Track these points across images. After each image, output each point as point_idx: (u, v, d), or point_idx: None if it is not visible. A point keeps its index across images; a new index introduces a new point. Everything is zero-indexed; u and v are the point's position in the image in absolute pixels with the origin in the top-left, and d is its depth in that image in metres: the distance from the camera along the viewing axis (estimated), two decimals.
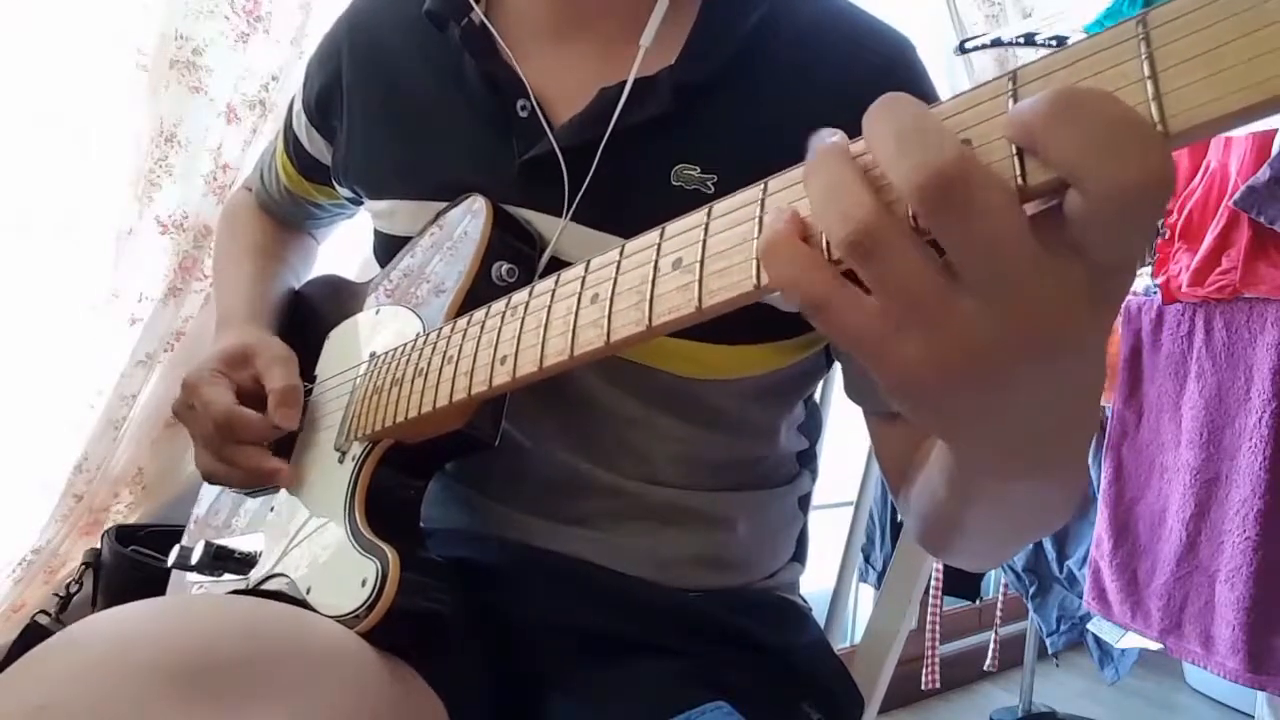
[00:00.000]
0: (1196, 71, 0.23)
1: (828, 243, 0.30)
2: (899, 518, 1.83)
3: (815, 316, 0.30)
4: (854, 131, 0.32)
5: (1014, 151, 0.27)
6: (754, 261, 0.33)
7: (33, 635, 1.01)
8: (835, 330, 0.30)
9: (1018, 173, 0.26)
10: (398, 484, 0.60)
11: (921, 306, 0.28)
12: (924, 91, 0.63)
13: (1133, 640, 1.70)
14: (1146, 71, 0.24)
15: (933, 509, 0.49)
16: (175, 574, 0.81)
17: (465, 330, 0.52)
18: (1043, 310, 0.27)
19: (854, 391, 0.66)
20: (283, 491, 0.68)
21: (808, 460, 0.78)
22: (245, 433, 0.63)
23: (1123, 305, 1.66)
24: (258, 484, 0.65)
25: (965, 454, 0.38)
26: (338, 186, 0.79)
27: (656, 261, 0.38)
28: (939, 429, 0.36)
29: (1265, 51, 0.22)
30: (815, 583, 0.82)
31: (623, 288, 0.40)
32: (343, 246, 1.05)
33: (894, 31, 0.64)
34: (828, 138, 0.31)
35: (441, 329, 0.56)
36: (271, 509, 0.68)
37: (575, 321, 0.42)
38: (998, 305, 0.27)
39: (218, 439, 0.63)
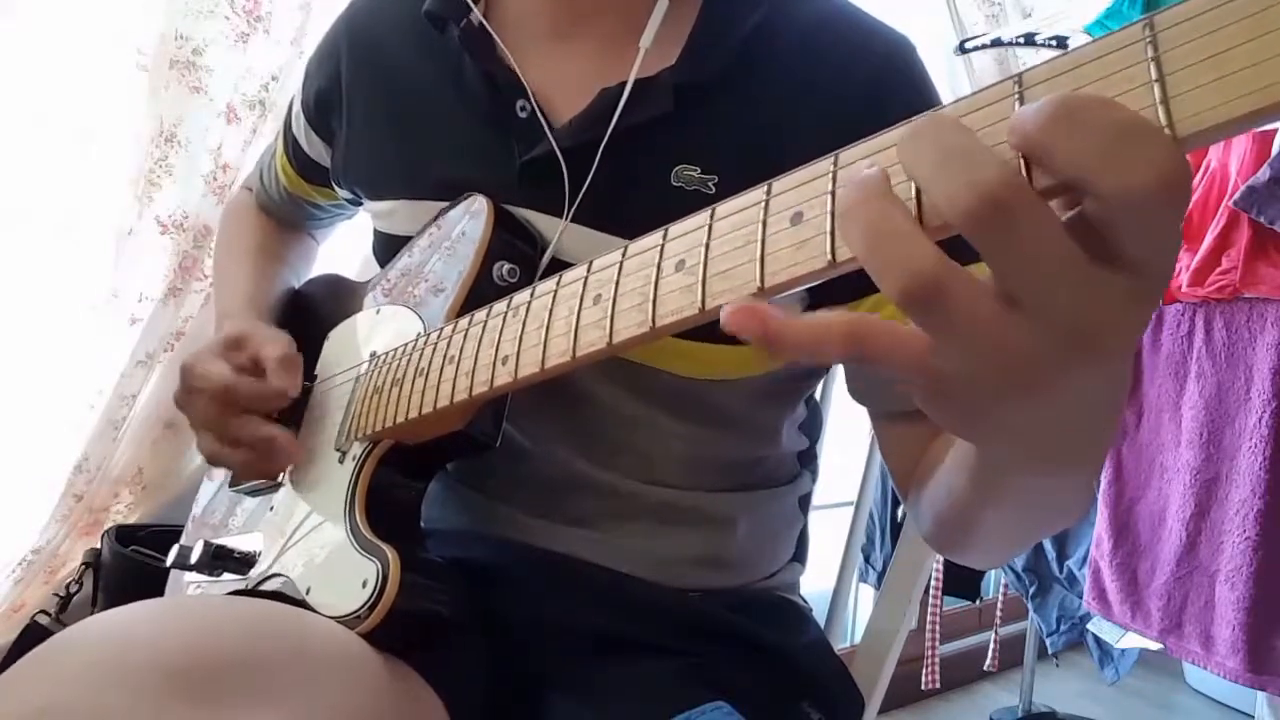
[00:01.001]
0: (1205, 75, 0.23)
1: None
2: (899, 518, 1.84)
3: (856, 351, 0.29)
4: (855, 131, 0.32)
5: (1019, 156, 0.26)
6: (757, 263, 0.33)
7: (33, 635, 1.01)
8: (886, 367, 0.29)
9: (1024, 175, 0.26)
10: (398, 484, 0.60)
11: (984, 339, 0.27)
12: (924, 91, 0.63)
13: (1133, 640, 1.70)
14: (1154, 74, 0.24)
15: (949, 508, 0.48)
16: (174, 573, 0.81)
17: (466, 330, 0.52)
18: (1090, 320, 0.27)
19: (858, 392, 0.65)
20: (282, 491, 0.68)
21: (808, 460, 0.78)
22: (245, 400, 0.63)
23: None
24: (259, 459, 0.64)
25: (993, 454, 0.38)
26: (337, 187, 0.79)
27: (659, 263, 0.38)
28: (973, 436, 0.35)
29: (1274, 55, 0.22)
30: (815, 583, 0.81)
31: (625, 289, 0.39)
32: (343, 246, 1.05)
33: (894, 32, 0.64)
34: (864, 169, 0.29)
35: (442, 329, 0.56)
36: (270, 508, 0.68)
37: (578, 322, 0.42)
38: (1048, 320, 0.27)
39: (218, 413, 0.63)
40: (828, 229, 0.31)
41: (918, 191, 0.28)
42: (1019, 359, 0.28)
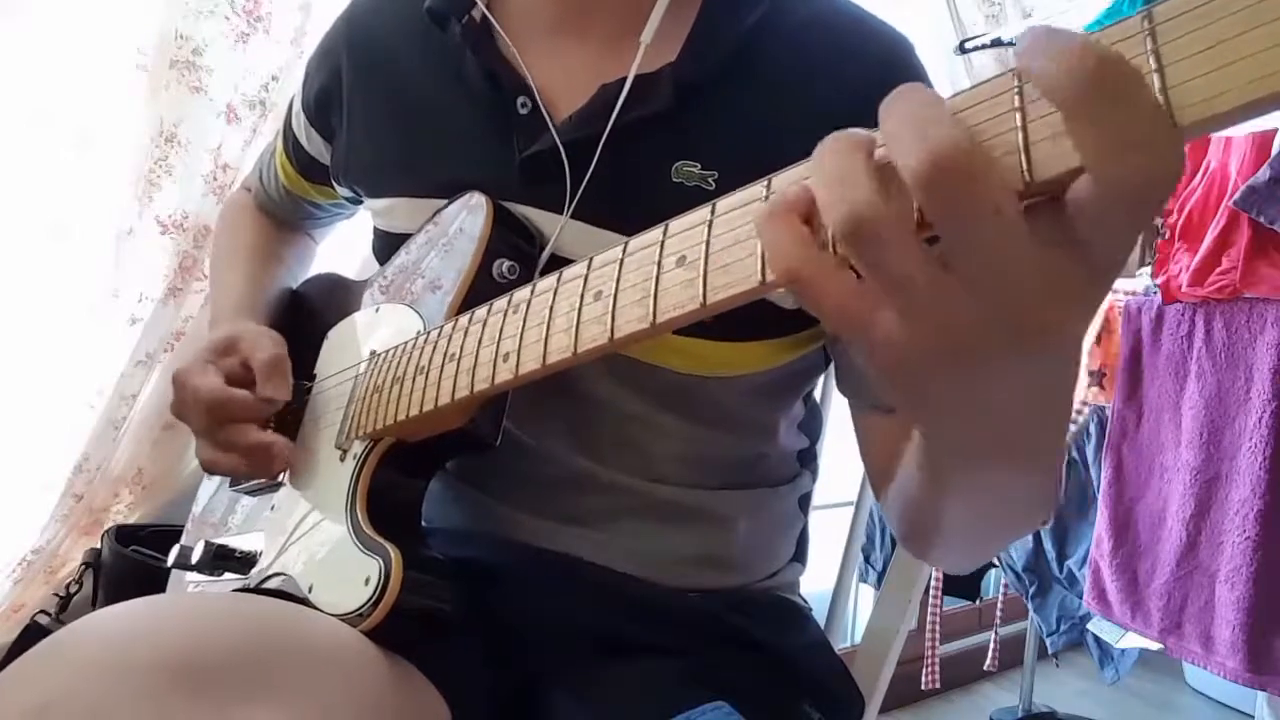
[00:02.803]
0: (1203, 65, 0.23)
1: (830, 233, 0.30)
2: None
3: (796, 288, 0.30)
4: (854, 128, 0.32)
5: (1021, 147, 0.27)
6: (758, 258, 0.33)
7: (33, 635, 1.01)
8: (818, 304, 0.30)
9: (1024, 168, 0.26)
10: (399, 482, 0.60)
11: (911, 291, 0.28)
12: None
13: (1133, 640, 1.70)
14: (1153, 65, 0.24)
15: (909, 505, 0.49)
16: (175, 573, 0.81)
17: (467, 328, 0.52)
18: (1030, 302, 0.28)
19: (845, 386, 0.66)
20: (282, 490, 0.68)
21: (808, 459, 0.78)
22: (236, 411, 0.63)
23: (1123, 305, 1.66)
24: (255, 465, 0.64)
25: (936, 437, 0.38)
26: (337, 186, 0.79)
27: (660, 258, 0.38)
28: (913, 408, 0.36)
29: (1272, 45, 0.22)
30: (815, 583, 0.81)
31: (626, 284, 0.40)
32: (342, 246, 1.05)
33: (893, 30, 0.64)
34: (851, 130, 0.30)
35: (443, 327, 0.56)
36: (271, 507, 0.68)
37: (579, 318, 0.42)
38: (986, 294, 0.28)
39: (212, 424, 0.63)
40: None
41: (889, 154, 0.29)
42: (953, 325, 0.29)
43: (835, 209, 0.29)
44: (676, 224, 0.38)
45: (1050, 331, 0.29)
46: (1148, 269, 1.67)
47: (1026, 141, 0.27)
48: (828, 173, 0.29)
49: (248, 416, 0.63)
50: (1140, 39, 0.25)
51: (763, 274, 0.33)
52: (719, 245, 0.35)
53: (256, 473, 0.66)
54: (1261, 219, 1.35)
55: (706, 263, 0.35)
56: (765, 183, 0.34)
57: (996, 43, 1.64)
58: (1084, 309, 0.29)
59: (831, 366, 0.70)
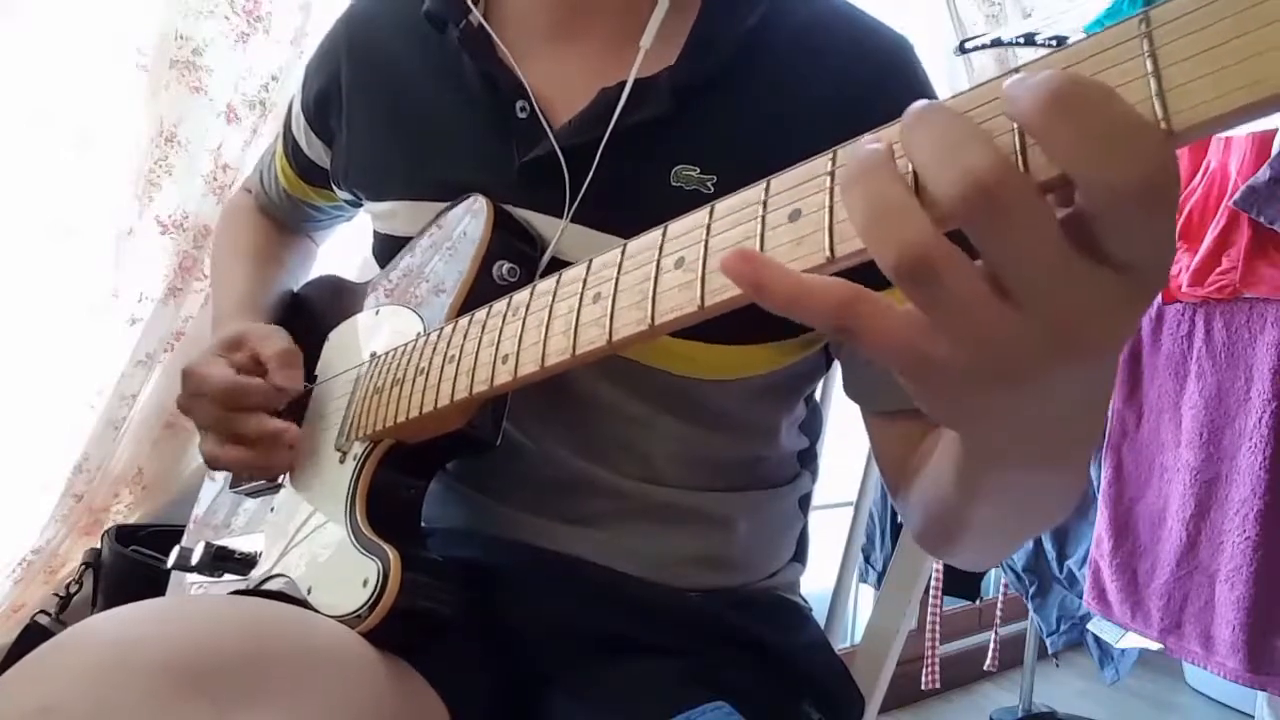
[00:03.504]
0: (1199, 69, 0.23)
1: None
2: (899, 518, 1.83)
3: (852, 336, 0.29)
4: (854, 131, 0.32)
5: (1017, 146, 0.27)
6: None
7: (33, 635, 1.01)
8: (877, 345, 0.29)
9: (1021, 169, 0.26)
10: (398, 484, 0.60)
11: (971, 324, 0.28)
12: (923, 91, 0.63)
13: (1133, 640, 1.70)
14: (1149, 68, 0.24)
15: (937, 505, 0.48)
16: (175, 574, 0.81)
17: (466, 330, 0.52)
18: (1079, 317, 0.27)
19: (853, 390, 0.65)
20: (283, 491, 0.68)
21: (808, 460, 0.78)
22: (249, 399, 0.63)
23: None
24: (264, 455, 0.64)
25: (979, 446, 0.38)
26: (337, 189, 0.79)
27: (659, 261, 0.38)
28: (959, 425, 0.36)
29: (1267, 49, 0.22)
30: (815, 583, 0.81)
31: (625, 287, 0.40)
32: (343, 247, 1.05)
33: (892, 32, 0.64)
34: (868, 144, 0.29)
35: (443, 329, 0.56)
36: (271, 509, 0.68)
37: (577, 320, 0.42)
38: (1036, 313, 0.27)
39: (222, 414, 0.63)
40: (826, 225, 0.31)
41: (916, 178, 0.28)
42: (1005, 348, 0.28)
43: (885, 246, 0.28)
44: (675, 226, 0.38)
45: (1100, 343, 0.28)
46: None
47: (1023, 142, 0.27)
48: (865, 204, 0.28)
49: (260, 404, 0.63)
50: (1137, 42, 0.25)
51: None
52: (717, 247, 0.35)
53: (262, 465, 0.65)
54: (1261, 219, 1.35)
55: (705, 265, 0.35)
56: (764, 185, 0.34)
57: (996, 43, 1.64)
58: (1127, 323, 0.29)
59: (834, 368, 0.70)
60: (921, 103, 0.28)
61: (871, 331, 0.29)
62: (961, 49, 1.73)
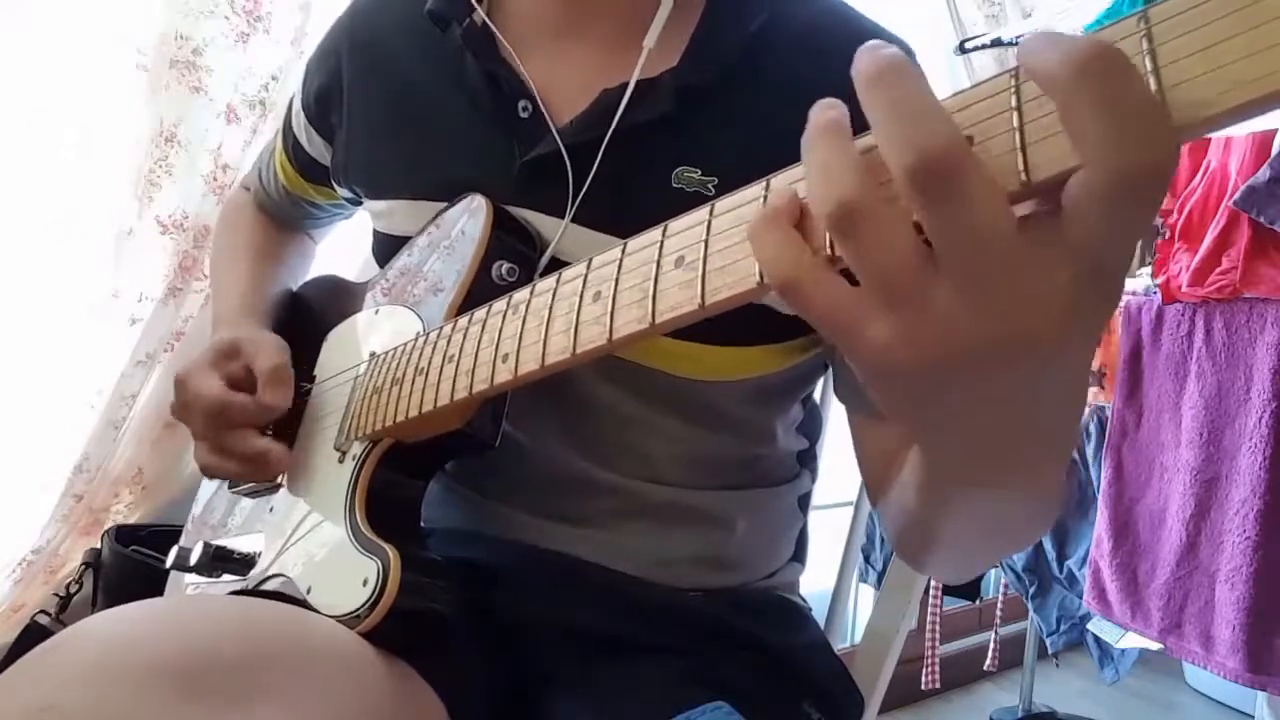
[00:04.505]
0: (1198, 67, 0.23)
1: (821, 227, 0.30)
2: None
3: (788, 295, 0.30)
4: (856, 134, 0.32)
5: (1019, 146, 0.27)
6: (756, 259, 0.33)
7: (33, 635, 1.01)
8: (807, 308, 0.30)
9: (1021, 168, 0.26)
10: (398, 483, 0.60)
11: (897, 287, 0.28)
12: None
13: (1133, 640, 1.70)
14: (1148, 66, 0.24)
15: (908, 516, 0.49)
16: (174, 574, 0.81)
17: (466, 329, 0.52)
18: (1022, 308, 0.27)
19: (842, 390, 0.66)
20: (282, 491, 0.68)
21: (808, 460, 0.78)
22: (236, 416, 0.63)
23: (1123, 305, 1.66)
24: (252, 470, 0.65)
25: (934, 453, 0.38)
26: (337, 187, 0.79)
27: (659, 259, 0.38)
28: (908, 419, 0.36)
29: (1267, 46, 0.22)
30: (815, 583, 0.81)
31: (625, 285, 0.39)
32: (343, 246, 1.05)
33: (893, 36, 0.64)
34: (826, 110, 0.30)
35: (442, 328, 0.56)
36: (270, 509, 0.68)
37: (577, 319, 0.42)
38: (975, 296, 0.27)
39: (211, 428, 0.63)
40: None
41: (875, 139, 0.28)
42: (940, 327, 0.28)
43: (822, 201, 0.28)
44: (675, 225, 0.38)
45: (1044, 341, 0.28)
46: (1148, 269, 1.67)
47: (1024, 141, 0.27)
48: (813, 165, 0.29)
49: (246, 422, 0.64)
50: (1136, 39, 0.25)
51: (760, 275, 0.33)
52: (717, 246, 0.35)
53: (253, 478, 0.66)
54: (1261, 219, 1.35)
55: (705, 264, 0.35)
56: (764, 184, 0.34)
57: (996, 43, 1.64)
58: (1081, 322, 0.28)
59: (831, 370, 0.70)
60: (888, 62, 0.27)
61: (807, 291, 0.30)
62: (961, 49, 1.74)
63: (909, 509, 0.47)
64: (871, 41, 0.28)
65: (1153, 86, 0.24)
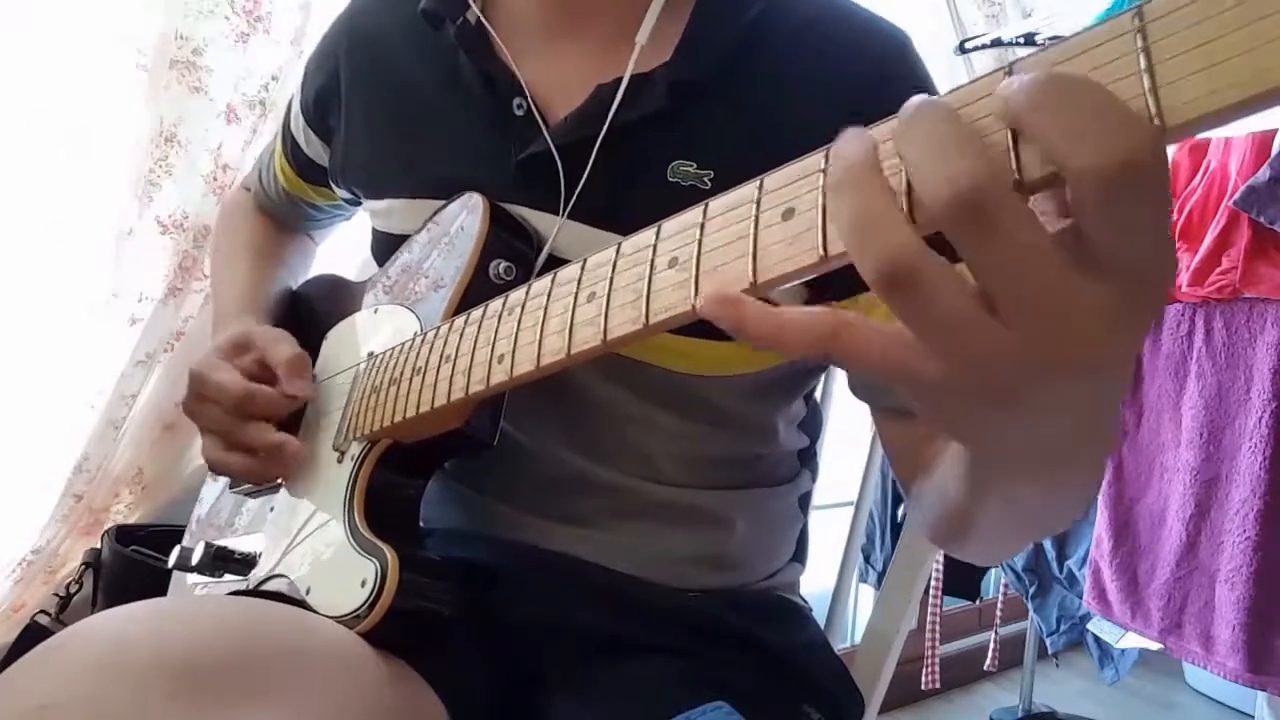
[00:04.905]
0: (1193, 64, 0.23)
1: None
2: (899, 518, 1.83)
3: (832, 348, 0.29)
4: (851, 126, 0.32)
5: (1010, 144, 0.26)
6: (749, 259, 0.33)
7: (33, 635, 1.01)
8: (858, 360, 0.29)
9: (1013, 167, 0.26)
10: (396, 484, 0.60)
11: (956, 339, 0.27)
12: (922, 86, 0.63)
13: (1133, 640, 1.70)
14: (1143, 64, 0.24)
15: (944, 507, 0.48)
16: (176, 574, 0.81)
17: (463, 329, 0.52)
18: (1070, 335, 0.26)
19: (859, 389, 0.65)
20: (282, 492, 0.68)
21: (808, 459, 0.78)
22: (261, 408, 0.63)
23: None
24: (265, 465, 0.64)
25: (984, 456, 0.38)
26: (335, 187, 0.79)
27: (653, 260, 0.38)
28: (958, 437, 0.35)
29: (1262, 43, 0.22)
30: (815, 583, 0.81)
31: (619, 286, 0.40)
32: (342, 246, 1.05)
33: (891, 26, 0.64)
34: (853, 143, 0.29)
35: (439, 328, 0.56)
36: (271, 509, 0.68)
37: (572, 320, 0.42)
38: (1024, 329, 0.27)
39: (230, 421, 0.63)
40: (819, 224, 0.31)
41: (909, 180, 0.28)
42: (995, 365, 0.27)
43: (865, 253, 0.27)
44: (669, 226, 0.38)
45: (1093, 360, 0.27)
46: None
47: (1015, 142, 0.27)
48: (849, 209, 0.28)
49: (270, 413, 0.64)
50: (1130, 37, 0.25)
51: (753, 276, 0.33)
52: (711, 246, 0.35)
53: (263, 475, 0.66)
54: (1261, 219, 1.35)
55: (699, 264, 0.35)
56: (758, 183, 0.34)
57: (996, 43, 1.64)
58: (1127, 334, 0.27)
59: (831, 367, 0.70)
60: (918, 99, 0.27)
61: (856, 357, 0.29)
62: (961, 49, 1.73)
63: (948, 497, 0.46)
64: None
65: (1146, 85, 0.24)
